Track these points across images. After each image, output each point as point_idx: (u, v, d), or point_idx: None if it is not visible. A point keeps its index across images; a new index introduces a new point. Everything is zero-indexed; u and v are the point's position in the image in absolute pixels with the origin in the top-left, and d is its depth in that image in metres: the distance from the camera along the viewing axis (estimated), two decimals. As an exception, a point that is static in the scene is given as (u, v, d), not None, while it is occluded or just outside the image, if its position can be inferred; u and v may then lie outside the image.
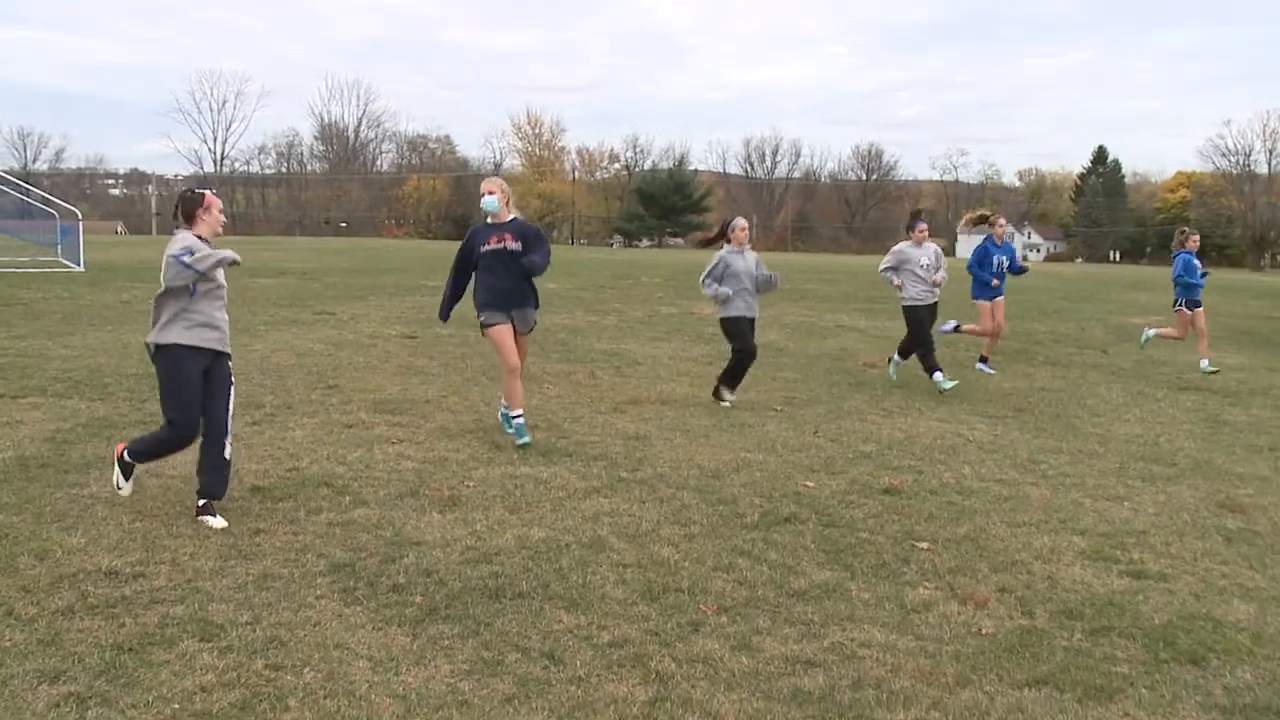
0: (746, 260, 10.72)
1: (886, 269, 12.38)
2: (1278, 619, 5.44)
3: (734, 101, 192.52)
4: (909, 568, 6.04)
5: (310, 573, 5.53)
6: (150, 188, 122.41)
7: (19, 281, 23.47)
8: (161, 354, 6.35)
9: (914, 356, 12.30)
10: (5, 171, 40.62)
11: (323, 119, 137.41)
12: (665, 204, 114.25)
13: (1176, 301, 15.25)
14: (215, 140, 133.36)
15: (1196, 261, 15.07)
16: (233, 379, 6.60)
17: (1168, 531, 6.95)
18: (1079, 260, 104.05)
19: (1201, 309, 15.17)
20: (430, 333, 15.65)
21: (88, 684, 4.21)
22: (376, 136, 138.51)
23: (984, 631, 5.13)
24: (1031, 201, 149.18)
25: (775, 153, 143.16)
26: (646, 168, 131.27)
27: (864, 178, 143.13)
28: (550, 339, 15.51)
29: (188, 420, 6.34)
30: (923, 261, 11.91)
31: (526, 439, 8.51)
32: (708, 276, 10.49)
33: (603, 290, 25.55)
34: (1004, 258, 13.93)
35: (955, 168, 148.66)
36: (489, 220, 8.74)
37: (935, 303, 12.36)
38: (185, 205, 6.49)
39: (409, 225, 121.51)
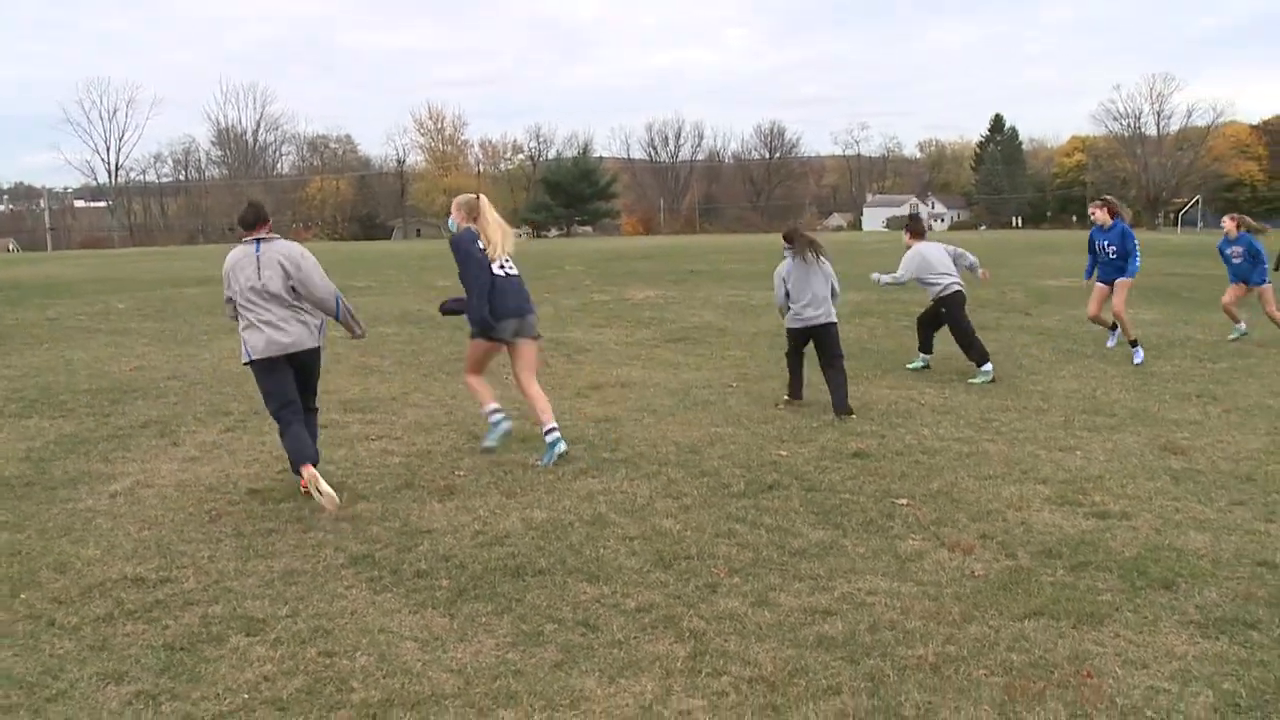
0: None
1: (902, 279, 12.15)
2: (1230, 545, 5.96)
3: (638, 89, 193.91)
4: (894, 523, 6.40)
5: (332, 566, 5.75)
6: (42, 202, 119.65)
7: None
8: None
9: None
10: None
11: (219, 123, 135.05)
12: (572, 192, 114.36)
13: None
14: (108, 150, 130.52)
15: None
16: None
17: (1120, 475, 7.44)
18: (982, 228, 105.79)
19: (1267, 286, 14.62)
20: (375, 332, 15.76)
21: (152, 682, 4.41)
22: (276, 139, 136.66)
23: (976, 574, 5.51)
24: (933, 171, 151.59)
25: (678, 136, 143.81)
26: (551, 157, 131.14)
27: (768, 156, 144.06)
28: (495, 331, 15.70)
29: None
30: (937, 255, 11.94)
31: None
32: None
33: (530, 281, 25.68)
34: None
35: (857, 142, 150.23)
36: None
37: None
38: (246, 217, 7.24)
39: (316, 227, 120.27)
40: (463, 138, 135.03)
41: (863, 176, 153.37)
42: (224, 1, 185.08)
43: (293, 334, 7.11)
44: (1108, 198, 13.86)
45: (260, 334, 7.03)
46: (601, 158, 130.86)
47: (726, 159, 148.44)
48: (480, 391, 8.32)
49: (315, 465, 6.81)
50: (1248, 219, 15.18)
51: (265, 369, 7.11)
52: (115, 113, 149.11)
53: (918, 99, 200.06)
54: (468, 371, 8.42)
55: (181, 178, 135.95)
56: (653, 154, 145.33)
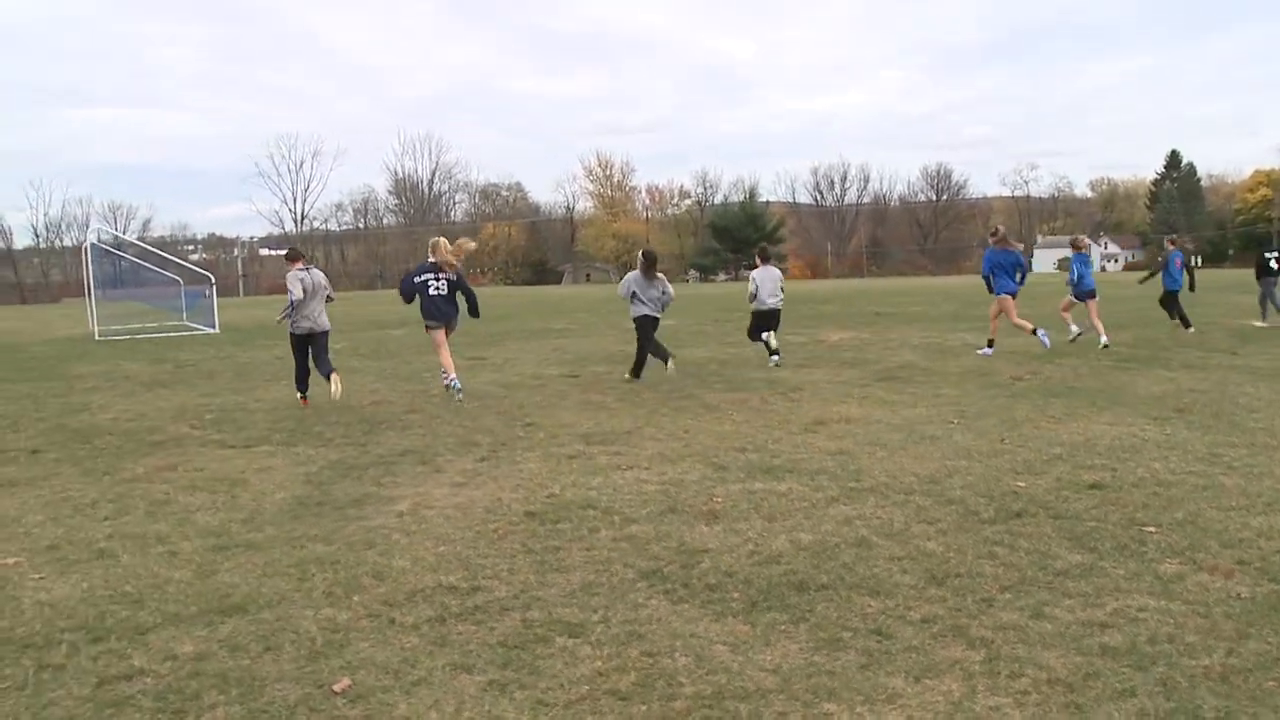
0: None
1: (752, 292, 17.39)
2: None
3: (798, 131, 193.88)
4: (1147, 548, 6.64)
5: (625, 580, 6.25)
6: (235, 251, 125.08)
7: (171, 345, 24.68)
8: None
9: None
10: (106, 244, 42.13)
11: (396, 174, 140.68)
12: (739, 237, 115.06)
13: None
14: (295, 200, 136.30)
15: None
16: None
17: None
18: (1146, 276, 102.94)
19: (1095, 300, 19.49)
20: (589, 372, 16.46)
21: (498, 673, 4.93)
22: (449, 188, 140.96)
23: (1242, 595, 5.75)
24: (1105, 211, 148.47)
25: (844, 179, 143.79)
26: (717, 202, 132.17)
27: (934, 199, 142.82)
28: (704, 371, 16.26)
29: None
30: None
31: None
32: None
33: (721, 324, 26.31)
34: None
35: (1026, 183, 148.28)
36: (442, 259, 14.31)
37: None
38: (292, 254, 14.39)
39: (490, 273, 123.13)
40: (630, 184, 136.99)
41: (1032, 217, 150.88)
42: (398, 54, 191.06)
43: (322, 322, 14.09)
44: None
45: (305, 321, 13.93)
46: (768, 202, 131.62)
47: (893, 202, 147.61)
48: (446, 360, 14.14)
49: (304, 393, 14.08)
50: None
51: (301, 340, 14.03)
52: (302, 165, 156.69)
53: (1088, 135, 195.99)
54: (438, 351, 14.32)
55: (361, 225, 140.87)
56: (819, 197, 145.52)
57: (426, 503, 8.19)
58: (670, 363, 15.17)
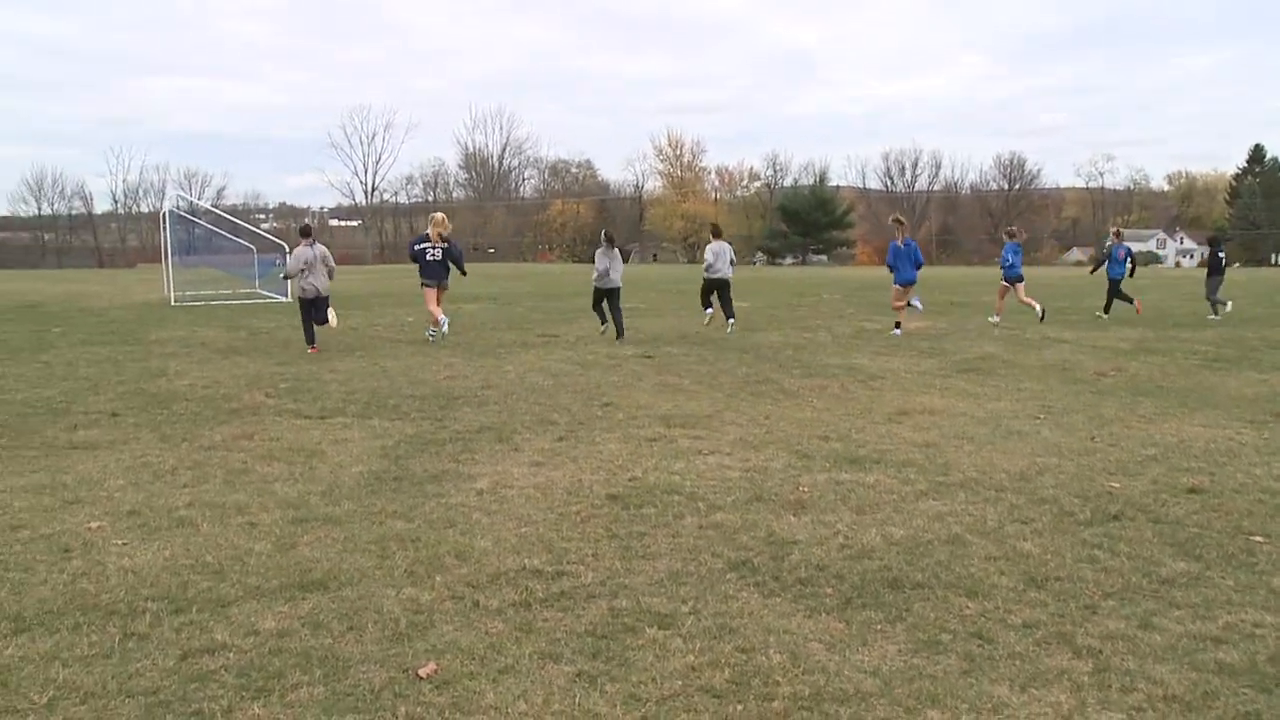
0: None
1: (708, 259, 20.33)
2: None
3: (871, 116, 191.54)
4: (1257, 559, 6.36)
5: (714, 570, 6.08)
6: (307, 220, 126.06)
7: (245, 312, 24.87)
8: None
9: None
10: (182, 211, 42.52)
11: (467, 148, 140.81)
12: (808, 220, 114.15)
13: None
14: (366, 172, 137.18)
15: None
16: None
17: None
18: (1236, 265, 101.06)
19: (1022, 283, 22.41)
20: (663, 352, 16.30)
21: (586, 665, 4.78)
22: (519, 163, 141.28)
23: (1367, 614, 5.47)
24: (1182, 205, 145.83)
25: (915, 165, 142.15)
26: (786, 184, 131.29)
27: (1006, 188, 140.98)
28: (781, 355, 16.05)
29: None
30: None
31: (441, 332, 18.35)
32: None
33: (794, 309, 26.04)
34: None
35: (1100, 174, 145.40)
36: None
37: None
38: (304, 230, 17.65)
39: (558, 249, 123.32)
40: (700, 164, 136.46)
41: (1106, 210, 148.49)
42: (473, 30, 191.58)
43: (324, 286, 17.16)
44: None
45: (312, 284, 17.19)
46: (838, 186, 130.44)
47: (964, 190, 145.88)
48: (435, 311, 18.02)
49: (313, 343, 17.32)
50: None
51: (306, 303, 17.27)
52: (374, 137, 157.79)
53: (1166, 126, 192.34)
54: (428, 304, 18.23)
55: (430, 199, 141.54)
56: (889, 183, 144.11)
57: (506, 481, 8.08)
58: (616, 336, 18.83)
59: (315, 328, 17.58)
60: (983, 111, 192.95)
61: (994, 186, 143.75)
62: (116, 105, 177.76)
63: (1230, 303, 25.22)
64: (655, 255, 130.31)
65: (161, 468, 8.65)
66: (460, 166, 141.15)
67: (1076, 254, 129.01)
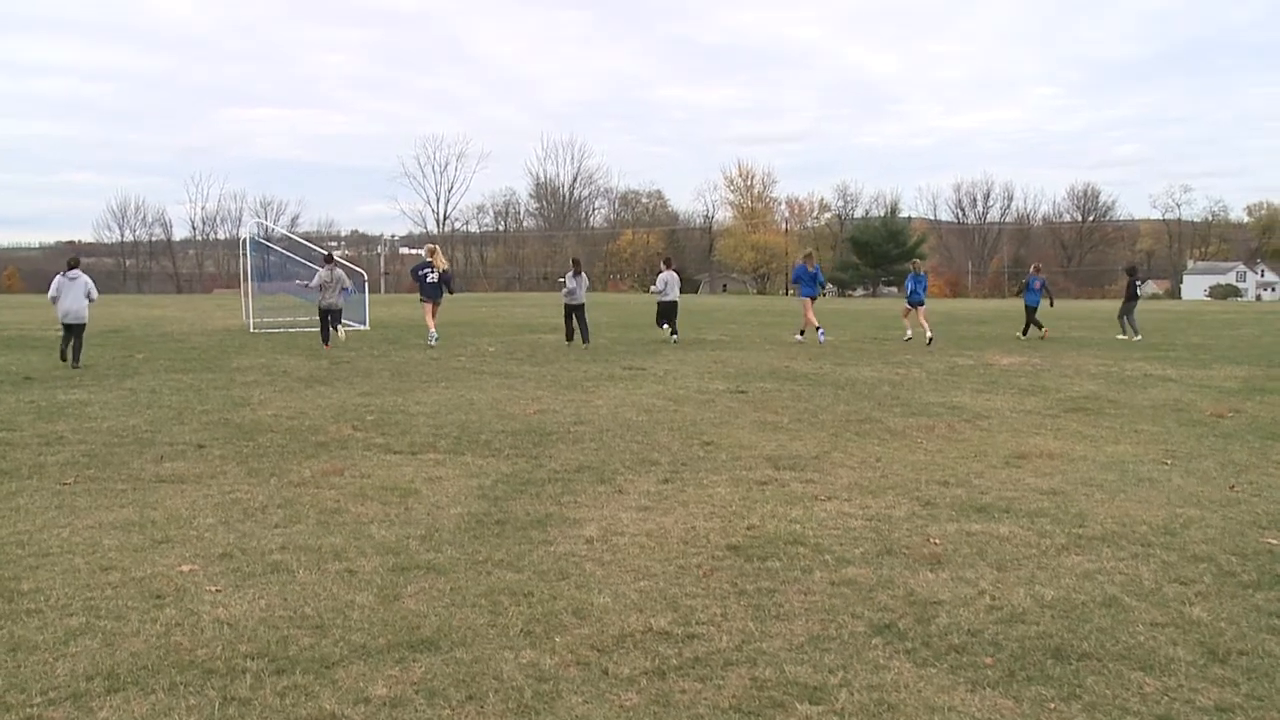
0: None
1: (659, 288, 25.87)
2: None
3: (942, 146, 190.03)
4: None
5: (856, 634, 5.57)
6: (379, 249, 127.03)
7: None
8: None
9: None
10: (260, 238, 42.63)
11: (538, 178, 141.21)
12: (879, 252, 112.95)
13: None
14: (438, 201, 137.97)
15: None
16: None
17: None
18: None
19: (923, 308, 26.64)
20: (756, 388, 15.81)
21: (732, 743, 4.31)
22: (590, 193, 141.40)
23: None
24: (1263, 237, 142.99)
25: (987, 197, 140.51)
26: (857, 216, 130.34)
27: (1080, 219, 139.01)
28: (876, 391, 15.49)
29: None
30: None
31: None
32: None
33: (880, 343, 25.44)
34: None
35: (1178, 205, 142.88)
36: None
37: None
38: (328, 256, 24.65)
39: (628, 278, 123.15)
40: (770, 195, 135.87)
41: (1183, 241, 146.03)
42: (544, 61, 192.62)
43: (338, 304, 23.45)
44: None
45: (327, 302, 23.07)
46: (909, 217, 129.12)
47: (1036, 221, 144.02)
48: (429, 323, 23.83)
49: (327, 342, 23.06)
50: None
51: (324, 312, 23.14)
52: (446, 166, 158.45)
53: (1246, 157, 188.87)
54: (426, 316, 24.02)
55: (501, 228, 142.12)
56: (960, 214, 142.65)
57: (615, 528, 7.62)
58: (583, 342, 23.59)
59: (331, 333, 23.47)
60: (1056, 142, 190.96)
61: (1067, 218, 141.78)
62: (198, 135, 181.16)
63: None
64: (725, 286, 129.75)
65: (251, 505, 8.30)
66: (531, 196, 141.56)
67: (1152, 287, 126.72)
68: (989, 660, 5.19)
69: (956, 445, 11.09)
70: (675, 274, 25.47)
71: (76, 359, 18.87)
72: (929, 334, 25.39)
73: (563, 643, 5.38)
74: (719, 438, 11.36)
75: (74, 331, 19.03)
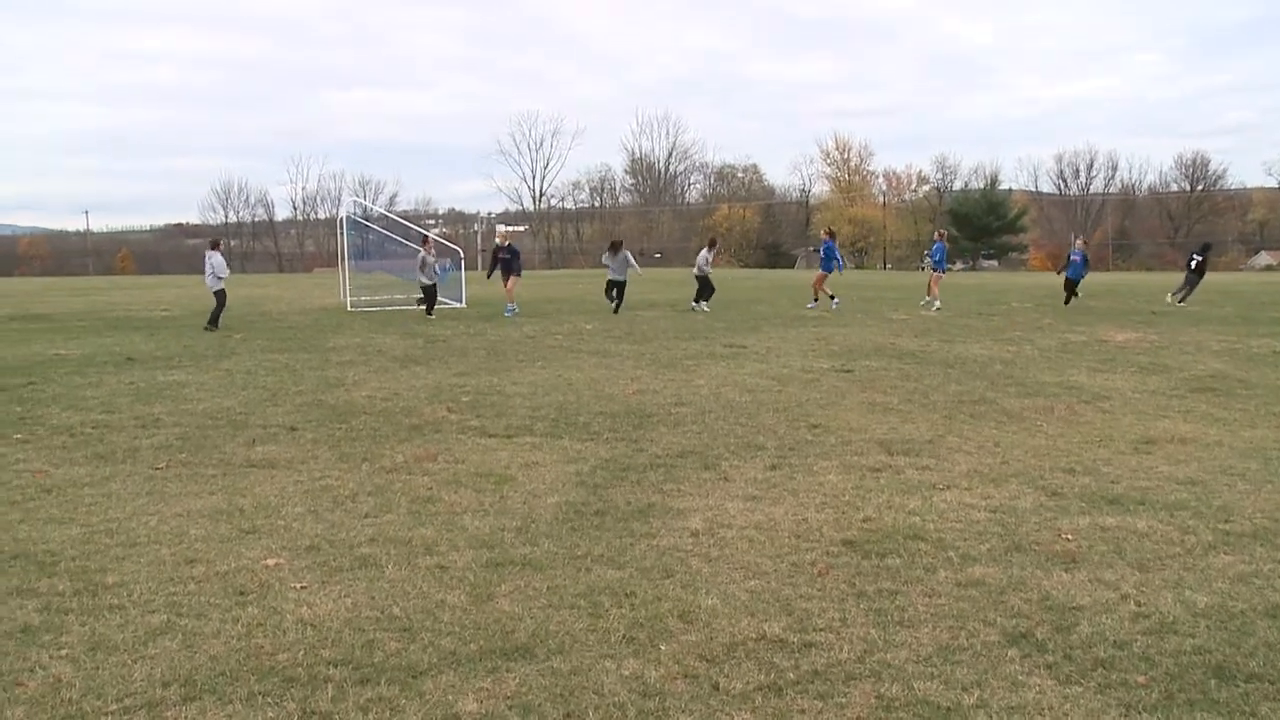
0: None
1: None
2: None
3: (1043, 117, 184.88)
4: None
5: (989, 644, 5.06)
6: (475, 226, 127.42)
7: (420, 319, 24.48)
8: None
9: None
10: (358, 216, 42.65)
11: (633, 153, 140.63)
12: (979, 225, 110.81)
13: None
14: (534, 178, 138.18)
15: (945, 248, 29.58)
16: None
17: None
18: None
19: (939, 274, 28.66)
20: (862, 366, 15.24)
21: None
22: (685, 168, 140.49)
23: None
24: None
25: (1090, 167, 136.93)
26: (956, 188, 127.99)
27: (1189, 189, 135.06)
28: (989, 370, 14.84)
29: None
30: None
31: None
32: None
33: (986, 318, 24.57)
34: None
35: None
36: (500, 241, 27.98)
37: None
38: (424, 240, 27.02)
39: (725, 254, 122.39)
40: (868, 168, 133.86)
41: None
42: (639, 37, 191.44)
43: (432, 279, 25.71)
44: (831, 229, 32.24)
45: (426, 280, 25.44)
46: (1010, 189, 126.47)
47: (1141, 192, 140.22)
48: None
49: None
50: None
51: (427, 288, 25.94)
52: (541, 144, 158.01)
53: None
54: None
55: (597, 204, 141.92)
56: (1062, 186, 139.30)
57: (721, 519, 7.17)
58: (617, 308, 26.36)
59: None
60: (1162, 110, 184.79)
61: (1175, 188, 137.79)
62: (298, 117, 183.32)
63: None
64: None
65: (341, 493, 7.99)
66: (626, 172, 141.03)
67: (1266, 258, 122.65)
68: (1142, 679, 4.66)
69: (1079, 429, 10.46)
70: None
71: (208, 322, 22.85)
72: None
73: (668, 651, 4.95)
74: (826, 420, 10.85)
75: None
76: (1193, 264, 30.63)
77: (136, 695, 4.51)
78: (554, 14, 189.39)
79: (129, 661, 4.88)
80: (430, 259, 25.33)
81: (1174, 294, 30.13)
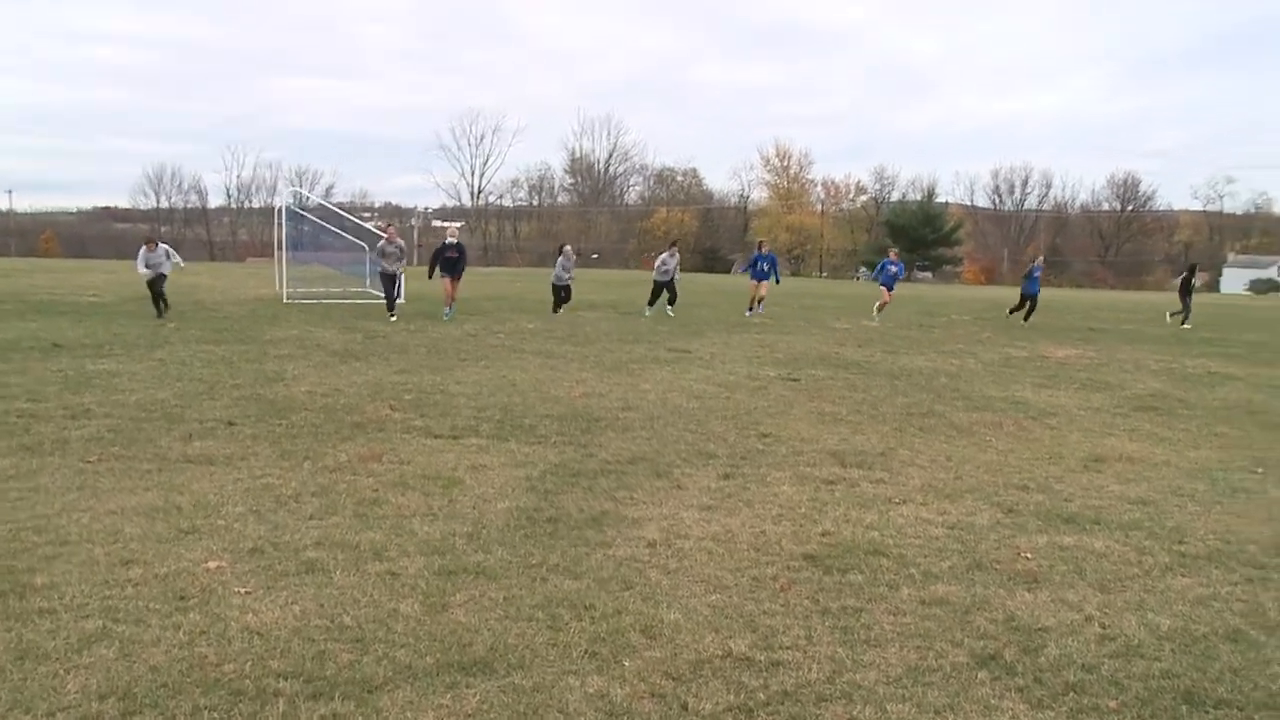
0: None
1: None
2: None
3: (980, 132, 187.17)
4: None
5: (958, 665, 4.98)
6: (412, 221, 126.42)
7: (358, 313, 24.21)
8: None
9: None
10: (298, 207, 42.18)
11: (574, 153, 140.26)
12: (914, 237, 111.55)
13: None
14: (473, 174, 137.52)
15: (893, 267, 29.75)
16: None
17: None
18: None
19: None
20: (808, 375, 15.21)
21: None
22: (625, 170, 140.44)
23: None
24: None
25: (1025, 184, 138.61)
26: (893, 199, 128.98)
27: (1119, 209, 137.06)
28: (934, 383, 14.86)
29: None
30: None
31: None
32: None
33: (927, 330, 24.71)
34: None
35: (1220, 196, 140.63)
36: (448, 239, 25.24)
37: None
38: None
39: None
40: (807, 176, 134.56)
41: (1224, 234, 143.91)
42: (583, 37, 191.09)
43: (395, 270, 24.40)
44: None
45: (390, 268, 24.14)
46: (946, 202, 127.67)
47: (1074, 209, 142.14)
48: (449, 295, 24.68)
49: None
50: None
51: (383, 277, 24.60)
52: (482, 140, 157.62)
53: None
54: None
55: (535, 203, 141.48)
56: (997, 201, 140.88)
57: (678, 530, 7.05)
58: (561, 310, 26.86)
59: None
60: (1097, 131, 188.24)
61: (1106, 207, 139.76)
62: (235, 104, 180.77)
63: None
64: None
65: (284, 493, 7.76)
66: (566, 171, 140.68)
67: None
68: (1113, 704, 4.60)
69: (1028, 445, 10.46)
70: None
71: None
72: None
73: (633, 668, 4.81)
74: (776, 429, 10.77)
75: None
76: (1182, 284, 31.58)
77: (70, 709, 4.28)
78: (504, 7, 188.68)
79: (61, 671, 4.63)
80: (391, 249, 24.14)
81: (1173, 314, 30.90)
